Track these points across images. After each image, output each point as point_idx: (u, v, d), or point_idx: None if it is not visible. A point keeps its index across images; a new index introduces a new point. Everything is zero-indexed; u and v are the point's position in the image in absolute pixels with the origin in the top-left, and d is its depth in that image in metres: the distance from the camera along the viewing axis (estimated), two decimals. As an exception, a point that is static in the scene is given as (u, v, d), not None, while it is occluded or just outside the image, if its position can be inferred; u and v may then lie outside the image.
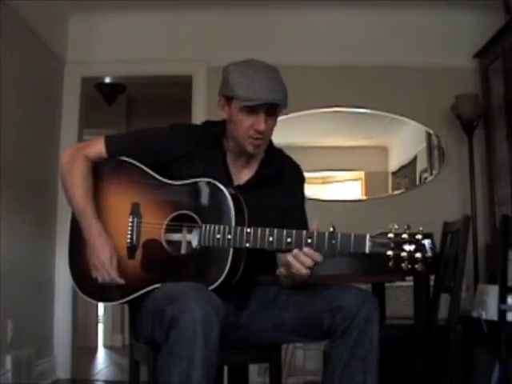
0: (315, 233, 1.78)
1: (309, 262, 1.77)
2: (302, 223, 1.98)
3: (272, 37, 4.46)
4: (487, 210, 4.20)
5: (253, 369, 3.77)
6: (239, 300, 1.99)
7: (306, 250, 1.76)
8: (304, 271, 1.78)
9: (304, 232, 1.79)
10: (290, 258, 1.78)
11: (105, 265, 1.86)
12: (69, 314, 4.36)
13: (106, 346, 6.30)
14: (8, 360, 3.46)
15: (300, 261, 1.77)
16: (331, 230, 1.76)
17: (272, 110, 1.93)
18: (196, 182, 1.92)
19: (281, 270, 1.84)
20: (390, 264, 1.70)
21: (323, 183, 4.69)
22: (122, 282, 1.89)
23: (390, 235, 1.70)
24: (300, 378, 4.09)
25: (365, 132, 4.69)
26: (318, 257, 1.77)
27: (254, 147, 1.96)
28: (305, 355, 4.12)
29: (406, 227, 1.70)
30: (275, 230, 1.80)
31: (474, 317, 3.27)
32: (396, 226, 1.71)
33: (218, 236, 1.83)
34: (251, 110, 1.91)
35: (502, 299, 2.95)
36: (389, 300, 3.66)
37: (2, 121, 3.47)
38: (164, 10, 4.46)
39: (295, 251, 1.77)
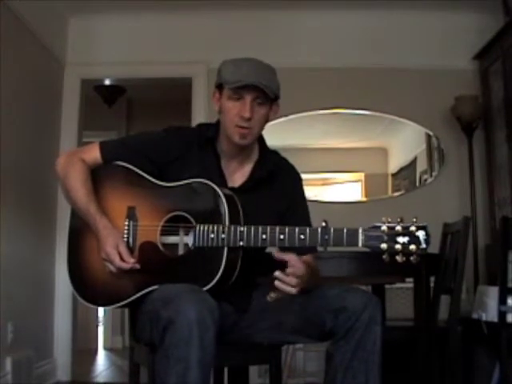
0: (308, 229, 1.79)
1: (293, 281, 1.78)
2: (303, 223, 1.97)
3: (271, 39, 4.46)
4: (487, 212, 4.20)
5: (253, 370, 3.77)
6: (240, 301, 1.99)
7: (288, 270, 1.77)
8: (293, 291, 1.79)
9: (297, 229, 1.79)
10: (276, 282, 1.79)
11: (109, 254, 1.85)
12: (69, 315, 4.36)
13: (106, 348, 6.30)
14: (8, 362, 3.46)
15: (285, 282, 1.78)
16: (323, 225, 1.76)
17: (260, 98, 1.93)
18: (190, 183, 1.92)
19: (271, 296, 1.83)
20: (384, 257, 1.70)
21: (323, 185, 4.69)
22: (133, 266, 1.85)
23: (384, 228, 1.70)
24: (300, 379, 4.09)
25: (364, 133, 4.70)
26: (300, 270, 1.78)
27: (239, 136, 1.95)
28: (305, 357, 4.12)
29: (399, 220, 1.70)
30: (268, 228, 1.81)
31: (474, 318, 3.27)
32: (389, 219, 1.71)
33: (212, 235, 1.84)
34: (238, 95, 1.92)
35: (502, 300, 2.95)
36: (389, 301, 3.66)
37: (2, 122, 3.47)
38: (164, 12, 4.46)
39: (278, 275, 1.78)
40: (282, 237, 1.80)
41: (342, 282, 2.90)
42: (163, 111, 5.82)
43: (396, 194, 4.56)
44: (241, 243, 1.82)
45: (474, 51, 4.29)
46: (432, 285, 3.11)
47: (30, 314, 3.89)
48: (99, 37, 4.56)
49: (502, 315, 2.95)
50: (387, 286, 3.55)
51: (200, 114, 4.40)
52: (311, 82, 4.43)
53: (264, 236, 1.81)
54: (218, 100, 2.00)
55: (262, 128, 2.02)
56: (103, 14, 4.49)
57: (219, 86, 1.98)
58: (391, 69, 4.46)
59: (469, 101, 4.17)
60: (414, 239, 1.68)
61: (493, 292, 3.14)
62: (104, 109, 5.85)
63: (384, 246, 1.69)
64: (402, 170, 4.66)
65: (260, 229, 1.82)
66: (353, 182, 4.70)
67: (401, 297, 3.97)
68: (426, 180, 4.53)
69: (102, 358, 5.90)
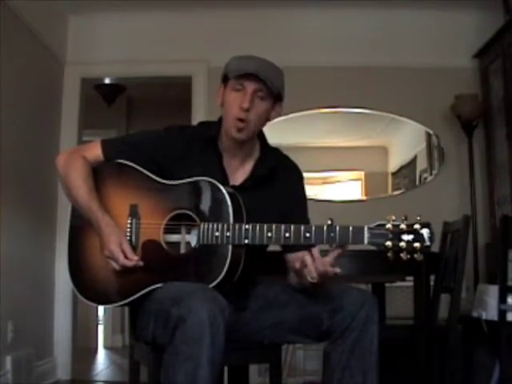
0: (313, 227, 1.79)
1: (320, 268, 1.74)
2: (302, 221, 1.96)
3: (272, 37, 4.46)
4: (487, 210, 4.20)
5: (253, 369, 3.77)
6: (239, 300, 1.99)
7: (327, 258, 1.75)
8: (313, 275, 1.75)
9: (302, 226, 1.79)
10: (307, 257, 1.76)
11: (113, 252, 1.85)
12: (69, 314, 4.36)
13: (106, 347, 6.31)
14: (8, 360, 3.46)
15: (315, 264, 1.75)
16: (329, 222, 1.76)
17: (262, 92, 1.93)
18: (193, 182, 1.92)
19: (295, 266, 1.80)
20: (389, 255, 1.70)
21: (323, 183, 4.69)
22: (136, 264, 1.85)
23: (388, 226, 1.71)
24: (300, 378, 4.09)
25: (365, 132, 4.70)
26: (331, 271, 1.75)
27: (235, 129, 1.95)
28: (305, 355, 4.13)
29: (403, 218, 1.71)
30: (273, 226, 1.81)
31: (474, 317, 3.27)
32: (393, 217, 1.72)
33: (217, 233, 1.84)
34: (240, 85, 1.93)
35: (502, 299, 2.95)
36: (389, 300, 3.65)
37: (2, 121, 3.47)
38: (164, 11, 4.46)
39: (315, 253, 1.75)
40: (287, 235, 1.80)
41: (343, 280, 2.90)
42: (163, 110, 5.82)
43: (396, 192, 4.56)
44: (246, 241, 1.82)
45: (474, 50, 4.29)
46: (432, 283, 3.11)
47: (30, 313, 3.89)
48: (99, 36, 4.56)
49: (502, 314, 2.95)
50: (387, 285, 3.55)
51: (200, 113, 4.40)
52: (311, 80, 4.43)
53: (269, 234, 1.81)
54: (222, 94, 2.01)
55: (260, 124, 2.01)
56: (103, 12, 4.49)
57: (225, 79, 2.00)
58: (391, 67, 4.46)
59: (469, 99, 4.17)
60: (419, 237, 1.69)
61: (493, 291, 3.14)
62: (104, 107, 5.85)
63: (389, 243, 1.70)
64: (402, 168, 4.66)
65: (265, 227, 1.82)
66: (353, 180, 4.70)
67: (401, 295, 3.97)
68: (425, 179, 4.53)
69: (102, 357, 5.90)
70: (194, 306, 1.63)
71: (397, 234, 1.70)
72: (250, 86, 1.92)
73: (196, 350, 1.62)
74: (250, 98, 1.92)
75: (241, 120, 1.93)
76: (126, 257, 1.85)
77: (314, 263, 1.75)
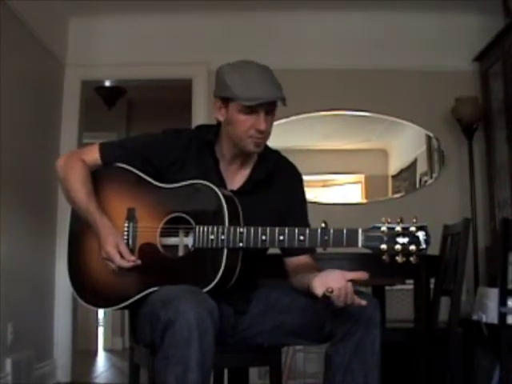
0: (307, 230, 1.79)
1: (349, 302, 1.75)
2: (301, 223, 1.96)
3: (272, 40, 4.46)
4: (487, 213, 4.20)
5: (253, 372, 3.76)
6: (239, 303, 1.99)
7: (356, 298, 1.74)
8: (341, 304, 1.76)
9: (296, 229, 1.79)
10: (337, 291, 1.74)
11: (110, 254, 1.86)
12: (69, 316, 4.36)
13: (106, 349, 6.30)
14: (8, 363, 3.46)
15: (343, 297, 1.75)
16: (323, 225, 1.76)
17: (271, 107, 1.92)
18: (189, 185, 1.92)
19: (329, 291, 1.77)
20: (384, 257, 1.70)
21: (323, 186, 4.69)
22: (133, 264, 1.86)
23: (383, 229, 1.70)
24: (300, 380, 4.09)
25: (365, 135, 4.70)
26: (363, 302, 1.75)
27: (255, 146, 1.95)
28: (305, 358, 4.12)
29: (398, 220, 1.70)
30: (268, 229, 1.81)
31: (475, 320, 3.26)
32: (389, 220, 1.71)
33: (212, 237, 1.84)
34: (251, 110, 1.89)
35: (502, 302, 2.95)
36: (389, 303, 3.65)
37: (3, 123, 3.47)
38: (164, 13, 4.47)
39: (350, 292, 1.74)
40: (281, 238, 1.80)
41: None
42: (163, 112, 5.82)
43: (396, 195, 4.56)
44: (240, 244, 1.82)
45: (475, 53, 4.29)
46: (432, 286, 3.11)
47: (30, 315, 3.88)
48: (99, 38, 4.56)
49: (502, 317, 2.95)
50: (387, 288, 3.55)
51: (200, 115, 4.40)
52: (311, 83, 4.43)
53: (263, 237, 1.81)
54: (222, 110, 1.96)
55: (271, 131, 2.01)
56: (103, 14, 4.49)
57: (225, 98, 1.93)
58: (391, 70, 4.46)
59: (469, 102, 4.17)
60: (414, 239, 1.68)
61: (493, 293, 3.13)
62: (104, 110, 5.85)
63: (384, 246, 1.69)
64: (402, 171, 4.66)
65: (260, 230, 1.82)
66: (353, 183, 4.70)
67: (401, 298, 3.97)
68: (426, 182, 4.53)
69: (101, 360, 5.90)
70: (182, 309, 1.64)
71: (392, 236, 1.69)
72: (263, 110, 1.90)
73: (185, 353, 1.62)
74: (266, 120, 1.91)
75: (259, 138, 1.93)
76: (122, 257, 1.86)
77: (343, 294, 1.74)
